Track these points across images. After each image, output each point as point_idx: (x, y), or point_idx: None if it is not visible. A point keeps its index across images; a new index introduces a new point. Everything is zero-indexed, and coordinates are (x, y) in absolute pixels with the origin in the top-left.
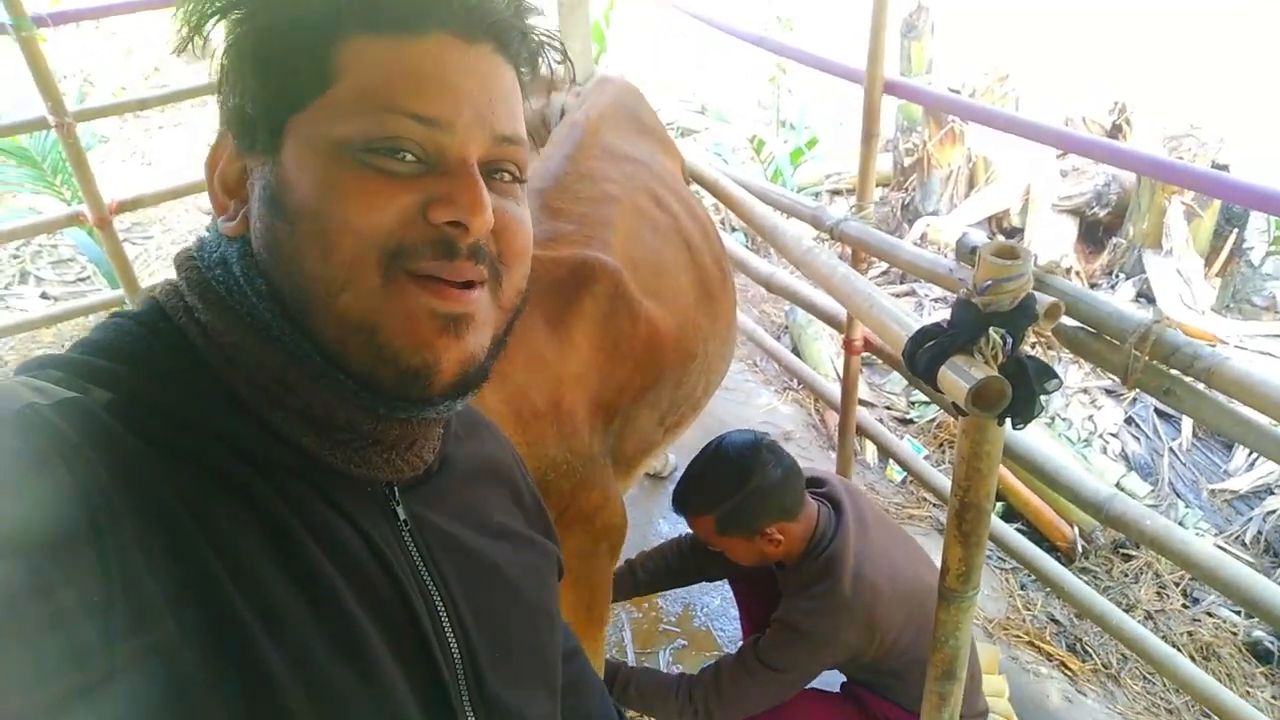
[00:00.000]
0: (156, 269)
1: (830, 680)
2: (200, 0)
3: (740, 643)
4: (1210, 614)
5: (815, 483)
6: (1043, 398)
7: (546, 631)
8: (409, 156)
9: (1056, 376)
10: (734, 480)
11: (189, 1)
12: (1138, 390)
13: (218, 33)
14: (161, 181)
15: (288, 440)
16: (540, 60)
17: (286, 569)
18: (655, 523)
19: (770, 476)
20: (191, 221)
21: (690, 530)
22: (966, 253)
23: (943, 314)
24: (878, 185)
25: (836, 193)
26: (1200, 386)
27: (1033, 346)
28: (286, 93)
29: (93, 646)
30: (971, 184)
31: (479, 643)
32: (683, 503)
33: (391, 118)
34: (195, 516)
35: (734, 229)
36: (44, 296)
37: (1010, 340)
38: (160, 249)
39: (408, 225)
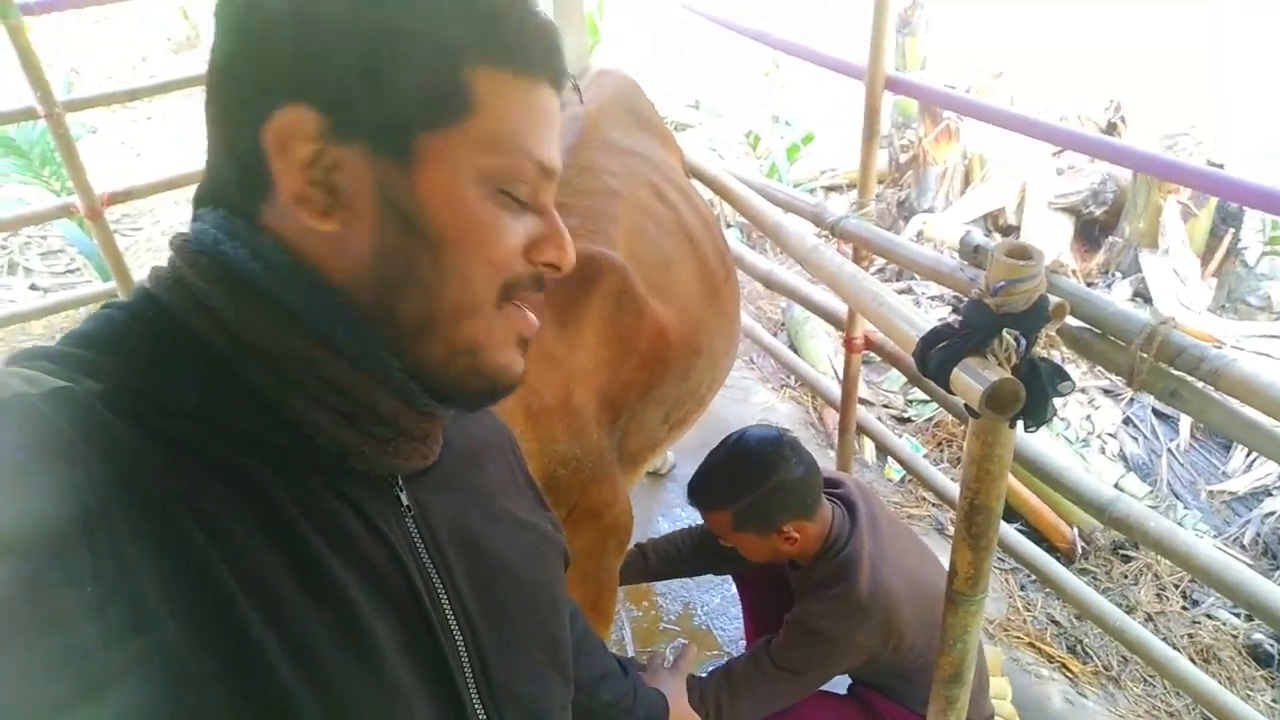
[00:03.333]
0: (147, 260)
1: (836, 682)
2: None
3: (741, 641)
4: (1210, 616)
5: (830, 483)
6: (1055, 401)
7: (552, 615)
8: (521, 197)
9: (1069, 379)
10: (755, 476)
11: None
12: (1136, 391)
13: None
14: (151, 173)
15: (299, 430)
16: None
17: (289, 561)
18: (655, 520)
19: (792, 473)
20: (182, 214)
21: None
22: (970, 251)
23: (940, 312)
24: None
25: (833, 188)
26: (1206, 388)
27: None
28: (419, 107)
29: (91, 646)
30: (967, 181)
31: (484, 629)
32: (700, 497)
33: (526, 161)
34: (192, 509)
35: (729, 224)
36: (33, 288)
37: (1023, 342)
38: (150, 241)
39: (519, 262)
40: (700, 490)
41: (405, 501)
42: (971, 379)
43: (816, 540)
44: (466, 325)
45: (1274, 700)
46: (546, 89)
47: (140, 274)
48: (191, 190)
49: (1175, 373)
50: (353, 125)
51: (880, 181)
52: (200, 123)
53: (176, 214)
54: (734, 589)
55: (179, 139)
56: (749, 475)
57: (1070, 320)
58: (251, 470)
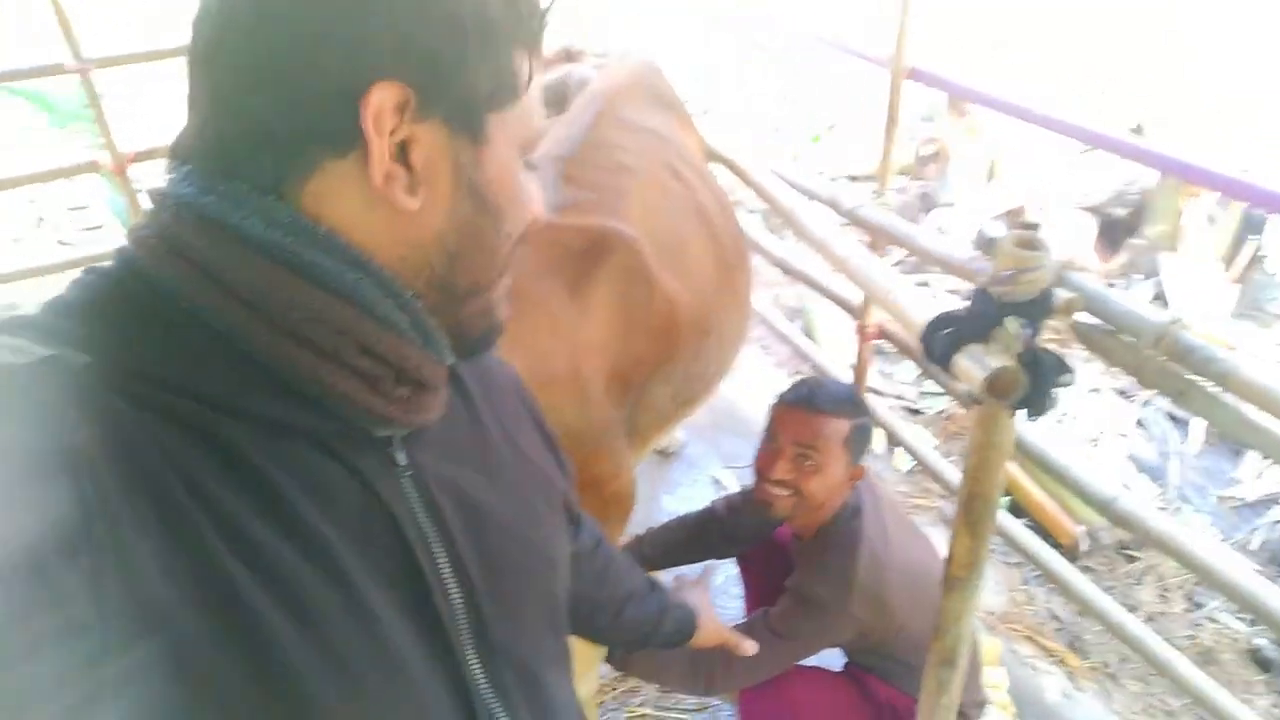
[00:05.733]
0: None
1: (833, 661)
2: None
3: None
4: (1213, 619)
5: None
6: (1056, 392)
7: (549, 572)
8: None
9: (1071, 370)
10: (863, 405)
11: None
12: (1149, 393)
13: None
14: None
15: (296, 396)
16: None
17: (284, 531)
18: (659, 498)
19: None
20: None
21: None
22: (985, 243)
23: (955, 305)
24: (897, 174)
25: (854, 178)
26: (1215, 390)
27: (1047, 342)
28: (491, 89)
29: (96, 652)
30: (990, 177)
31: (481, 588)
32: (830, 402)
33: (536, 128)
34: (184, 480)
35: (751, 211)
36: (61, 243)
37: (1028, 331)
38: None
39: None
40: (829, 397)
41: (402, 461)
42: (974, 364)
43: (831, 509)
44: (498, 285)
45: (1273, 705)
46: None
47: None
48: None
49: (1185, 373)
50: (433, 104)
51: (904, 174)
52: None
53: None
54: (736, 569)
55: None
56: (862, 402)
57: (1083, 316)
58: (239, 438)
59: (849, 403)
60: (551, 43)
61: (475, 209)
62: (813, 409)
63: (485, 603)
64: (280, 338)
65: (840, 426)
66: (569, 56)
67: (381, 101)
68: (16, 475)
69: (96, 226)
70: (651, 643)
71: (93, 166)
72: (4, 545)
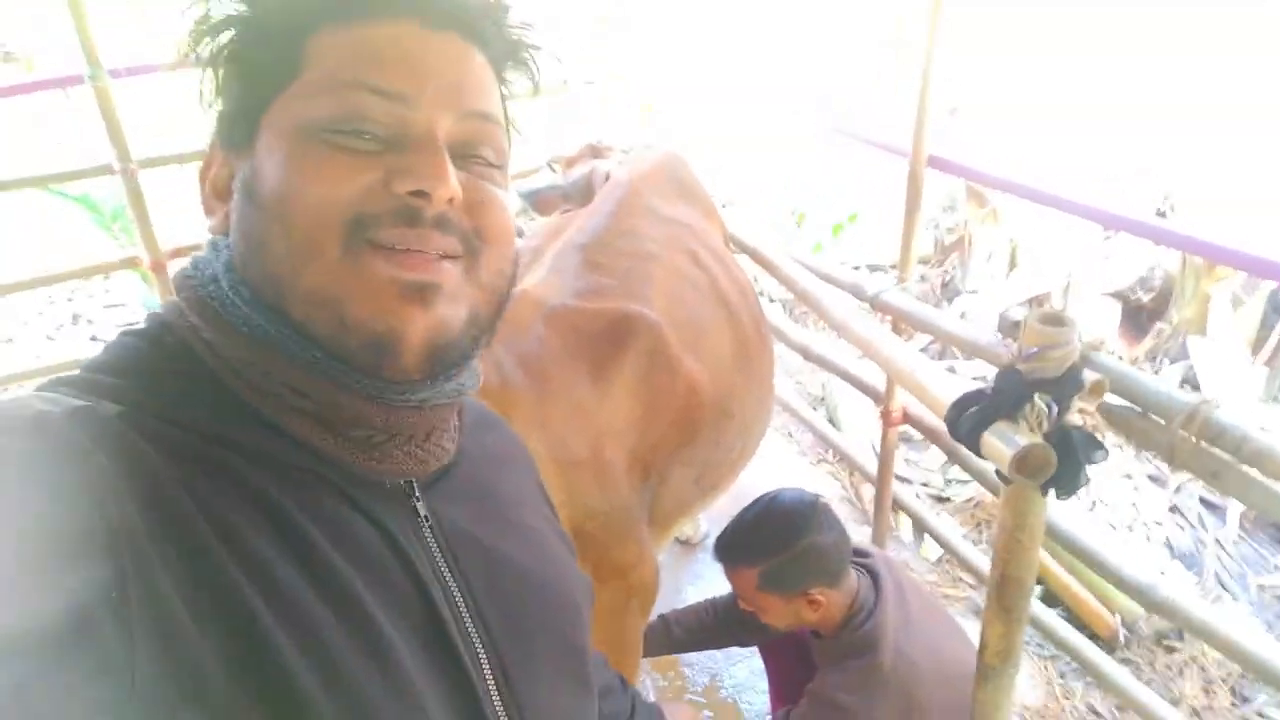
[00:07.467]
0: None
1: None
2: (196, 25)
3: (767, 716)
4: (1262, 715)
5: (857, 553)
6: (1087, 471)
7: (573, 625)
8: (371, 136)
9: (1103, 448)
10: (785, 537)
11: (192, 26)
12: (1183, 478)
13: None
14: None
15: (304, 444)
16: (523, 57)
17: (308, 576)
18: (683, 590)
19: (822, 538)
20: None
21: (729, 586)
22: (1009, 325)
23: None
24: (918, 262)
25: (877, 268)
26: (1249, 470)
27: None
28: (261, 89)
29: (118, 657)
30: (1012, 265)
31: (504, 639)
32: (727, 552)
33: (352, 93)
34: (212, 524)
35: (772, 300)
36: (93, 339)
37: (1055, 408)
38: None
39: (369, 198)
40: (728, 546)
41: (422, 512)
42: (1002, 443)
43: (840, 609)
44: (309, 276)
45: None
46: (402, 23)
47: None
48: None
49: (1217, 453)
50: (230, 135)
51: (925, 262)
52: None
53: None
54: (761, 662)
55: None
56: (779, 535)
57: (1112, 398)
58: (265, 485)
59: (759, 546)
60: (579, 140)
61: (245, 204)
62: (721, 562)
63: (509, 654)
64: (253, 392)
65: (746, 576)
66: (595, 152)
67: (212, 157)
68: (51, 523)
69: (133, 324)
70: None
71: (132, 263)
72: (41, 607)
